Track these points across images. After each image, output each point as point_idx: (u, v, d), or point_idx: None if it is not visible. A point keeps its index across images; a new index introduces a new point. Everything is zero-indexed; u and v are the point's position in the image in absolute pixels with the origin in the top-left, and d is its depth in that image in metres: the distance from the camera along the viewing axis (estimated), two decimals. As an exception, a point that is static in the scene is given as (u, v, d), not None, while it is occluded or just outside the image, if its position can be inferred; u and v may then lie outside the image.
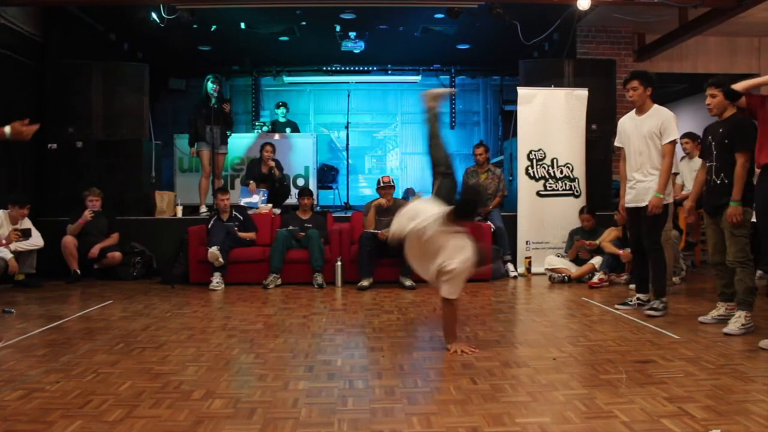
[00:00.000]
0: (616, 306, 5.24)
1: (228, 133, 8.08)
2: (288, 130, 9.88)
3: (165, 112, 11.51)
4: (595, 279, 6.35)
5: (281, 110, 10.06)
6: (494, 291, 6.24)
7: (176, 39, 9.23)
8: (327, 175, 10.70)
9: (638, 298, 5.17)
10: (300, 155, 9.46)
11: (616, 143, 5.22)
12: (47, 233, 6.80)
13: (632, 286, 6.16)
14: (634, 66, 8.95)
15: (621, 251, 6.49)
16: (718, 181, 4.47)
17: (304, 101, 12.40)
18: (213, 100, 7.71)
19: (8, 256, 6.24)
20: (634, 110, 5.01)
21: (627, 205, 5.07)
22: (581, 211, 7.06)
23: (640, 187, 4.91)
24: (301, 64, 11.64)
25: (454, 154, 12.10)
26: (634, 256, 5.28)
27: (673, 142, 4.80)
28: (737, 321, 4.24)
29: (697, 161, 5.78)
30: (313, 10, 8.35)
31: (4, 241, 6.08)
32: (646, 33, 8.91)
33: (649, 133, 4.84)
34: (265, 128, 10.14)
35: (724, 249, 4.51)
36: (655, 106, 4.91)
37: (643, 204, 4.89)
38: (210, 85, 7.74)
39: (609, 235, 6.76)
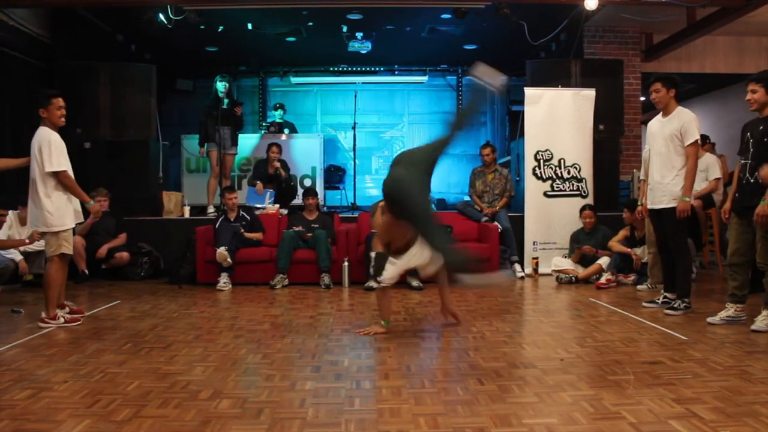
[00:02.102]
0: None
1: (236, 133, 8.09)
2: (286, 131, 9.89)
3: (172, 112, 11.53)
4: (603, 280, 6.32)
5: (278, 112, 10.10)
6: (501, 291, 6.22)
7: (183, 40, 9.25)
8: (334, 176, 10.71)
9: (665, 296, 5.19)
10: (307, 156, 9.47)
11: (647, 145, 5.26)
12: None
13: (640, 286, 6.16)
14: (641, 66, 8.94)
15: (632, 251, 6.47)
16: (752, 180, 4.39)
17: (311, 102, 12.41)
18: (225, 102, 7.73)
19: (18, 257, 6.29)
20: (661, 113, 5.03)
21: (648, 207, 5.12)
22: (583, 209, 7.02)
23: (658, 188, 4.94)
24: (308, 65, 11.65)
25: (461, 154, 12.14)
26: (660, 255, 5.29)
27: (696, 143, 4.78)
28: (765, 319, 4.27)
29: None
30: (319, 10, 8.35)
31: (27, 240, 6.10)
32: (654, 33, 8.88)
33: (670, 134, 4.87)
34: (272, 129, 10.15)
35: (744, 250, 4.47)
36: (679, 107, 4.94)
37: (661, 206, 4.92)
38: (220, 85, 7.76)
39: (618, 235, 6.73)
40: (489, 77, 4.29)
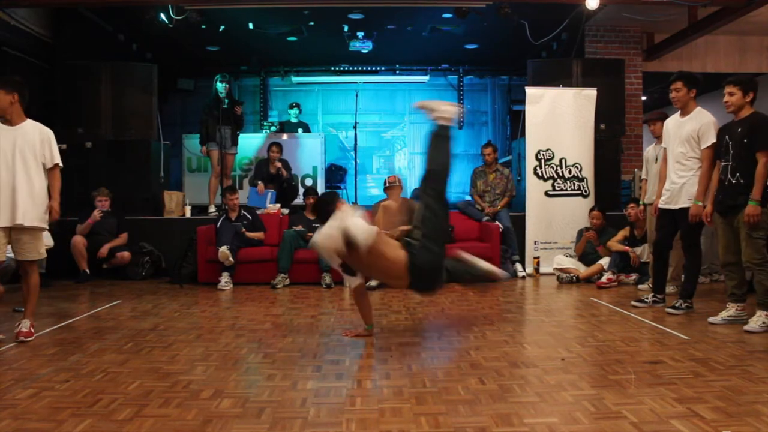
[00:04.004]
0: (633, 303, 5.26)
1: (237, 133, 8.10)
2: (300, 130, 9.90)
3: (173, 112, 11.55)
4: (604, 279, 6.32)
5: (294, 111, 10.07)
6: (502, 291, 6.22)
7: (185, 39, 9.26)
8: (335, 175, 10.70)
9: (654, 296, 5.19)
10: (308, 155, 9.47)
11: (663, 144, 5.23)
12: (57, 233, 6.82)
13: (641, 286, 6.16)
14: (642, 66, 8.94)
15: (629, 249, 6.46)
16: (734, 181, 4.43)
17: (312, 101, 12.42)
18: (225, 102, 7.73)
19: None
20: (679, 112, 4.98)
21: (660, 206, 5.08)
22: (591, 209, 7.04)
23: (675, 189, 4.92)
24: (309, 64, 11.65)
25: (462, 154, 12.15)
26: (654, 256, 5.28)
27: (712, 147, 4.73)
28: (758, 319, 4.29)
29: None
30: (321, 10, 8.35)
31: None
32: (655, 32, 8.87)
33: (687, 136, 4.83)
34: (273, 128, 10.16)
35: (735, 249, 4.49)
36: (698, 108, 4.88)
37: (677, 206, 4.90)
38: (219, 86, 7.77)
39: (618, 235, 6.73)
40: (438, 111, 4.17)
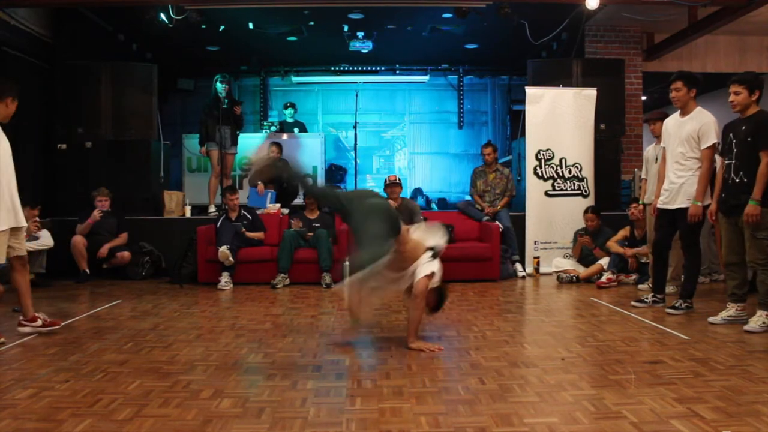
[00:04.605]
0: (633, 303, 5.26)
1: (237, 132, 8.10)
2: (296, 130, 9.90)
3: (173, 112, 11.56)
4: (604, 279, 6.32)
5: (289, 111, 10.07)
6: (502, 291, 6.23)
7: (185, 39, 9.25)
8: (335, 175, 10.72)
9: (654, 296, 5.19)
10: (308, 155, 9.48)
11: (662, 144, 5.22)
12: (57, 233, 6.84)
13: (641, 285, 6.16)
14: (642, 65, 8.95)
15: (624, 250, 6.46)
16: (737, 180, 4.42)
17: (312, 101, 12.42)
18: (225, 102, 7.73)
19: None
20: (679, 112, 4.97)
21: (659, 206, 5.08)
22: (586, 211, 7.03)
23: (673, 189, 4.91)
24: (309, 64, 11.65)
25: (462, 154, 12.15)
26: (653, 256, 5.27)
27: (712, 147, 4.73)
28: (759, 319, 4.28)
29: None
30: (321, 10, 8.36)
31: (25, 234, 6.09)
32: (655, 32, 8.88)
33: (687, 136, 4.82)
34: (273, 128, 10.16)
35: (738, 249, 4.48)
36: (698, 108, 4.87)
37: (675, 206, 4.89)
38: (219, 86, 7.77)
39: (617, 235, 6.73)
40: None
